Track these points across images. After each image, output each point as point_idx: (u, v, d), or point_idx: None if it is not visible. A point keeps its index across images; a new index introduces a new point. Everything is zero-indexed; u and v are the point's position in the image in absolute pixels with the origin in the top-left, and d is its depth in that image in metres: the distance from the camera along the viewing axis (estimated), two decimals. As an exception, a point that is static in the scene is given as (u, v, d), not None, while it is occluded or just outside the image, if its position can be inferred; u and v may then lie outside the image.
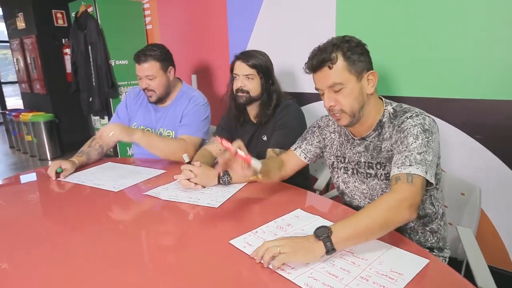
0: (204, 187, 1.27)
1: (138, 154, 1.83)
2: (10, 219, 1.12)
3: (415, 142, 0.92)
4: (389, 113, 1.05)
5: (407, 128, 0.95)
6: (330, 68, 0.97)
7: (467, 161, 1.68)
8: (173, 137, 1.73)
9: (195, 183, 1.25)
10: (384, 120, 1.05)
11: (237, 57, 1.53)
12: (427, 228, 1.09)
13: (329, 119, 1.25)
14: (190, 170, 1.24)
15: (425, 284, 0.71)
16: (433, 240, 1.11)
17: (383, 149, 1.03)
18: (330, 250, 0.74)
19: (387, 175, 1.02)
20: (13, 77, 7.39)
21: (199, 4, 2.74)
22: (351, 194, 1.17)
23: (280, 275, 0.72)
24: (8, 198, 1.35)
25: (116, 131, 1.45)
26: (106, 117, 3.06)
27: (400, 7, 1.76)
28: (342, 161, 1.18)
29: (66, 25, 4.58)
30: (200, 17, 2.76)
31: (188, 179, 1.25)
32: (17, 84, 5.82)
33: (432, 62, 1.70)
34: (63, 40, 4.47)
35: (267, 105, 1.54)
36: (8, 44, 5.49)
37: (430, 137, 0.93)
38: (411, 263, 0.75)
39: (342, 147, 1.17)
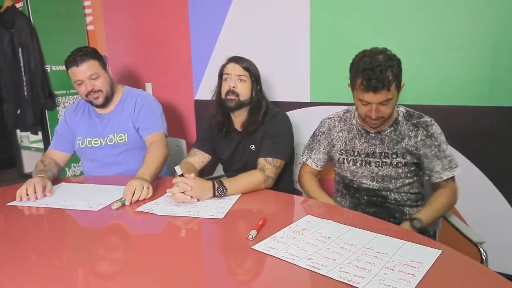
0: (198, 200, 1.29)
1: (90, 171, 1.88)
2: None
3: (447, 148, 1.32)
4: (403, 113, 1.36)
5: (437, 136, 1.31)
6: (389, 90, 1.18)
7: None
8: (126, 139, 1.78)
9: (191, 196, 1.26)
10: (399, 118, 1.35)
11: (230, 59, 1.63)
12: (419, 205, 1.45)
13: (332, 120, 1.51)
14: (185, 183, 1.26)
15: (444, 272, 0.81)
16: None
17: (404, 143, 1.33)
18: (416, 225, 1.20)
19: (406, 162, 1.34)
20: None
21: (154, 4, 2.70)
22: (359, 181, 1.43)
23: (313, 271, 0.80)
24: None
25: (146, 192, 1.37)
26: (40, 133, 2.84)
27: (372, 12, 1.91)
28: (352, 154, 1.42)
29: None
30: (156, 19, 2.72)
31: (183, 192, 1.26)
32: None
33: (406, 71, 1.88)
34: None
35: (256, 111, 1.62)
36: None
37: (444, 138, 1.34)
38: (427, 253, 0.89)
39: (352, 141, 1.42)
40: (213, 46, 2.48)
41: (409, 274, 0.78)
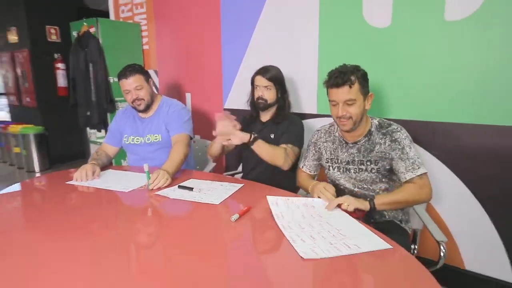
0: (230, 139, 1.63)
1: (134, 163, 2.06)
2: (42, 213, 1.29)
3: (411, 151, 1.37)
4: (376, 125, 1.47)
5: (401, 140, 1.40)
6: (350, 87, 1.36)
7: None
8: (160, 140, 1.97)
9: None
10: (372, 129, 1.47)
11: (257, 72, 1.92)
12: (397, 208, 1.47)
13: (319, 132, 1.67)
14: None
15: (388, 269, 0.89)
16: (401, 213, 1.54)
17: (375, 150, 1.44)
18: (373, 206, 1.27)
19: (378, 168, 1.44)
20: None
21: (194, 29, 2.94)
22: (343, 185, 1.56)
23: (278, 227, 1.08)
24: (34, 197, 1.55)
25: (164, 182, 1.55)
26: (103, 130, 3.22)
27: (371, 43, 2.06)
28: (336, 161, 1.56)
29: (59, 40, 4.78)
30: (195, 40, 2.96)
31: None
32: (2, 96, 5.92)
33: (396, 88, 2.02)
34: (55, 55, 4.64)
35: (283, 107, 1.93)
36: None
37: (413, 143, 1.42)
38: (375, 243, 0.99)
39: (336, 151, 1.57)
40: (239, 64, 2.69)
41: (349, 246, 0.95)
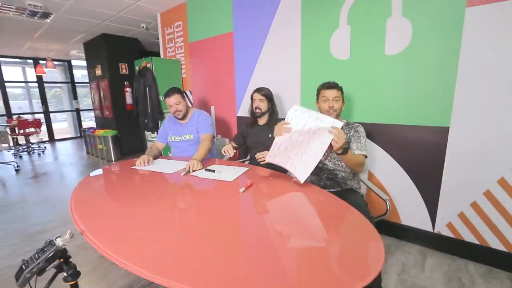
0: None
1: (175, 154, 2.05)
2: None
3: (364, 140, 1.45)
4: (344, 124, 1.48)
5: (360, 132, 1.47)
6: (337, 90, 1.49)
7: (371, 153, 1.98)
8: (193, 138, 1.93)
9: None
10: (343, 126, 1.39)
11: (254, 91, 1.93)
12: (353, 174, 1.52)
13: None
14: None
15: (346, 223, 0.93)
16: (355, 182, 1.54)
17: (347, 137, 1.45)
18: (346, 146, 1.28)
19: (345, 149, 1.30)
20: (85, 106, 7.59)
21: (216, 62, 2.94)
22: (323, 163, 1.53)
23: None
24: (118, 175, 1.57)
25: (197, 165, 1.53)
26: (156, 132, 3.22)
27: (336, 70, 2.04)
28: None
29: (127, 73, 4.81)
30: (216, 70, 2.95)
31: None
32: (90, 111, 6.02)
33: (355, 101, 1.99)
34: (125, 82, 4.68)
35: (273, 114, 1.95)
36: (86, 84, 5.65)
37: (365, 138, 1.47)
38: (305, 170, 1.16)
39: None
40: (247, 85, 2.66)
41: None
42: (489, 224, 1.62)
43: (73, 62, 7.18)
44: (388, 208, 1.34)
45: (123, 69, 4.80)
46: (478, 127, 1.56)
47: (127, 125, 4.88)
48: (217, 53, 2.91)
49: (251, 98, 1.94)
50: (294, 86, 2.32)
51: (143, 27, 3.97)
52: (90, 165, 4.52)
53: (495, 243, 1.61)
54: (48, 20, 3.62)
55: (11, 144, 4.20)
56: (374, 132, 1.94)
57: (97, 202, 1.13)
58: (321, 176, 1.55)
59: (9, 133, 5.60)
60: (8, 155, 5.32)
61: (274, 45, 2.39)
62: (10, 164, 4.36)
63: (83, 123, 7.56)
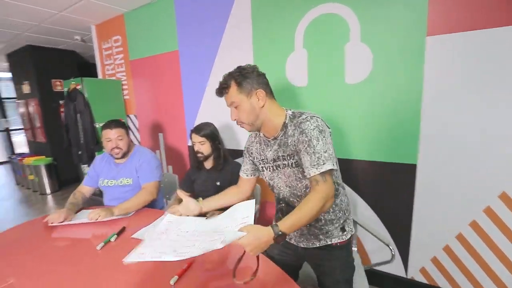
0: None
1: (108, 203, 1.68)
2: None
3: (318, 143, 0.84)
4: (289, 117, 0.94)
5: (308, 131, 0.86)
6: (227, 93, 0.94)
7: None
8: (131, 183, 1.62)
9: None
10: (287, 121, 0.94)
11: (192, 131, 1.57)
12: (335, 204, 0.97)
13: (250, 136, 1.12)
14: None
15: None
16: (340, 214, 0.99)
17: (289, 144, 0.92)
18: (277, 233, 0.75)
19: (296, 162, 0.91)
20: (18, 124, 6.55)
21: (161, 83, 2.61)
22: (277, 187, 1.02)
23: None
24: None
25: (102, 215, 1.35)
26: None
27: (294, 97, 1.82)
28: (266, 162, 1.02)
29: (63, 90, 4.14)
30: (162, 91, 2.62)
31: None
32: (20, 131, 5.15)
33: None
34: (60, 101, 3.99)
35: (218, 158, 1.57)
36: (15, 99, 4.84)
37: (325, 135, 0.87)
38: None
39: (263, 151, 1.02)
40: (197, 111, 2.37)
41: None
42: (463, 269, 1.48)
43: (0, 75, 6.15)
44: (392, 254, 1.27)
45: (58, 85, 4.13)
46: (448, 164, 1.43)
47: (66, 151, 4.17)
48: (161, 73, 2.56)
49: (191, 138, 1.58)
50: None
51: (77, 39, 3.43)
52: (20, 200, 3.78)
53: (469, 289, 1.47)
54: None
55: None
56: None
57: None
58: (283, 211, 1.05)
59: None
60: None
61: (224, 65, 2.11)
62: None
63: (16, 143, 6.48)
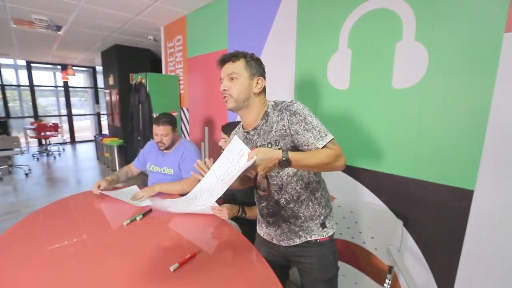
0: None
1: (149, 184, 1.81)
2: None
3: (312, 120, 0.88)
4: (271, 105, 0.95)
5: (299, 110, 0.88)
6: (233, 62, 0.94)
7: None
8: (173, 173, 1.72)
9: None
10: (268, 110, 0.95)
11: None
12: (314, 198, 0.98)
13: (236, 132, 1.09)
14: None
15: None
16: (320, 210, 0.99)
17: (273, 130, 0.91)
18: (284, 156, 0.77)
19: (280, 149, 0.84)
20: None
21: (210, 80, 2.76)
22: (258, 182, 1.01)
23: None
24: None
25: (145, 195, 1.48)
26: None
27: (334, 100, 1.72)
28: None
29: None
30: (211, 89, 2.77)
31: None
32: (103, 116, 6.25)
33: (351, 137, 1.65)
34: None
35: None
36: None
37: (312, 113, 0.91)
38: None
39: (247, 144, 0.99)
40: None
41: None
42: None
43: (98, 68, 7.50)
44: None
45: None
46: (515, 196, 1.13)
47: (130, 135, 4.85)
48: (211, 70, 2.70)
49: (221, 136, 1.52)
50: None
51: (150, 39, 3.92)
52: (98, 172, 4.55)
53: None
54: (61, 32, 3.70)
55: (24, 148, 4.35)
56: (373, 182, 1.56)
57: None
58: (263, 211, 1.04)
59: (32, 135, 5.92)
60: (27, 156, 5.59)
61: (267, 65, 2.09)
62: (21, 168, 4.53)
63: (103, 126, 7.83)
